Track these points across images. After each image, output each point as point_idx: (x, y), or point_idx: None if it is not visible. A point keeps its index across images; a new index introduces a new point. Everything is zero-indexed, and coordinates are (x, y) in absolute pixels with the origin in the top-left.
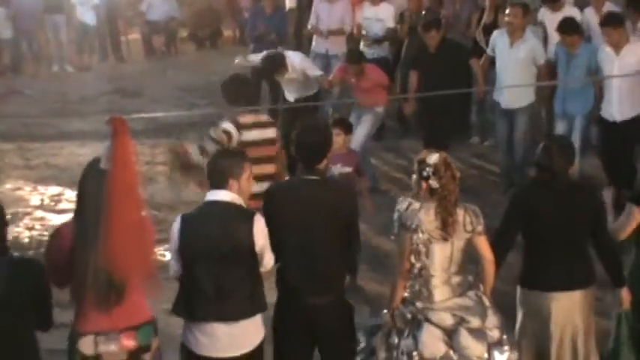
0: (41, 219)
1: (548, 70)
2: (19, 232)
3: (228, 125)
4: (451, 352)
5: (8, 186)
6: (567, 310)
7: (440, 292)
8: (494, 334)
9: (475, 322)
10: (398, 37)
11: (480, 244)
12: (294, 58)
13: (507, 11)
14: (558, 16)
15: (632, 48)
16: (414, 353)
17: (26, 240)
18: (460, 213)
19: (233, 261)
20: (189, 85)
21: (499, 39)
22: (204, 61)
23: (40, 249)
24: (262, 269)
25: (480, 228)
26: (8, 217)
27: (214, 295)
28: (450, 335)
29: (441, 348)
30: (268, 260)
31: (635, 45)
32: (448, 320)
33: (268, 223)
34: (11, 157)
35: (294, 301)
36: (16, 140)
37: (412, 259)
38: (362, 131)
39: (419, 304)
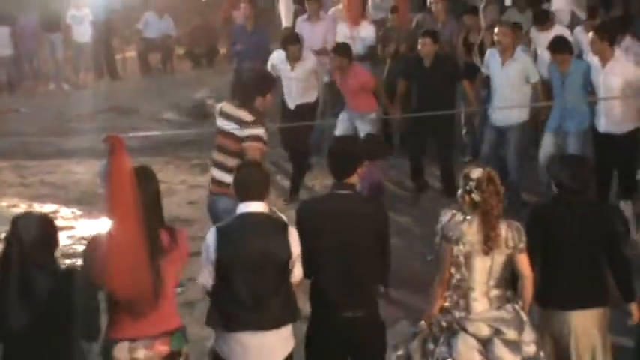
0: None
1: (544, 89)
2: None
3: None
4: None
5: (4, 204)
6: (586, 327)
7: (478, 304)
8: (530, 348)
9: (511, 334)
10: (380, 56)
11: (521, 260)
12: (309, 58)
13: (496, 31)
14: (548, 36)
15: (615, 65)
16: None
17: None
18: (503, 228)
19: (269, 271)
20: (185, 103)
21: (492, 58)
22: (201, 79)
23: None
24: (291, 279)
25: (521, 245)
26: (3, 234)
27: (250, 305)
28: (485, 345)
29: (475, 357)
30: (298, 271)
31: (618, 63)
32: (484, 331)
33: (301, 238)
34: (7, 174)
35: (328, 314)
36: (12, 158)
37: (452, 269)
38: None
39: (456, 314)
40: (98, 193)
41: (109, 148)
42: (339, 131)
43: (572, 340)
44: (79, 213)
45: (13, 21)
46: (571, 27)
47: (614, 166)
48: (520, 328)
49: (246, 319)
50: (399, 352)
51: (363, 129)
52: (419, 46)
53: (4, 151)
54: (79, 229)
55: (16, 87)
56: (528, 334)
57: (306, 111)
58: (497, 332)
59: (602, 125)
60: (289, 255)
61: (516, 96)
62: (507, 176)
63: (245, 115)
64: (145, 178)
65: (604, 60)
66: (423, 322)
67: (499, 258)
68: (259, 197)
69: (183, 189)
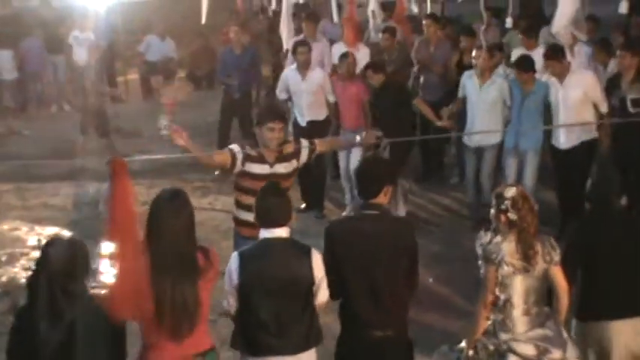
0: None
1: None
2: (16, 272)
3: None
4: None
5: (5, 226)
6: (628, 338)
7: (522, 323)
8: None
9: (557, 353)
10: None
11: (556, 274)
12: (318, 71)
13: (474, 53)
14: (533, 55)
15: (574, 78)
16: None
17: (23, 280)
18: (538, 244)
19: (293, 295)
20: (187, 125)
21: (468, 81)
22: (202, 101)
23: None
24: (316, 302)
25: (556, 258)
26: (4, 257)
27: (274, 329)
28: None
29: None
30: (323, 294)
31: (577, 75)
32: (531, 351)
33: (330, 259)
34: (9, 197)
35: (358, 333)
36: (14, 181)
37: (497, 291)
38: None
39: (503, 336)
40: (100, 217)
41: (112, 171)
42: (342, 158)
43: (615, 351)
44: (79, 236)
45: (15, 44)
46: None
47: (580, 177)
48: (564, 346)
49: (269, 344)
50: None
51: (355, 150)
52: (368, 77)
53: (6, 174)
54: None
55: (20, 110)
56: (571, 351)
57: (317, 130)
58: (544, 352)
59: (562, 142)
60: (313, 280)
61: (492, 118)
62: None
63: (269, 155)
64: (180, 202)
65: (562, 76)
66: (463, 345)
67: (537, 274)
68: (282, 223)
69: None
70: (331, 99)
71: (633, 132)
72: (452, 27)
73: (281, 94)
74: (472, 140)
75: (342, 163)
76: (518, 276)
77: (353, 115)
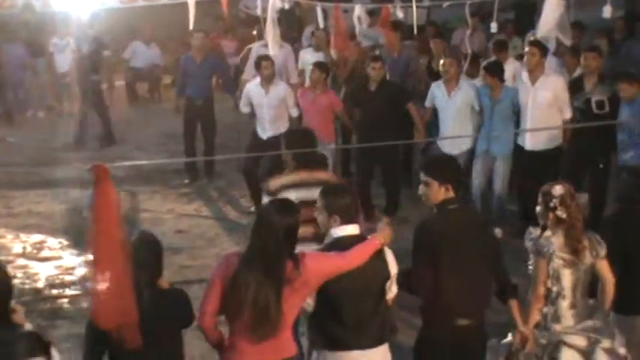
0: (23, 267)
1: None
2: None
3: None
4: None
5: None
6: None
7: (571, 315)
8: (622, 352)
9: (607, 343)
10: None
11: (603, 267)
12: (282, 85)
13: (442, 62)
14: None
15: (546, 80)
16: None
17: None
18: (586, 239)
19: (369, 293)
20: (172, 131)
21: (437, 90)
22: None
23: (21, 297)
24: (387, 297)
25: (602, 253)
26: None
27: (352, 326)
28: (587, 356)
29: None
30: (394, 289)
31: (549, 78)
32: (582, 342)
33: (424, 253)
34: None
35: (444, 323)
36: None
37: (549, 284)
38: None
39: (555, 328)
40: (85, 224)
41: (95, 177)
42: None
43: None
44: (66, 243)
45: None
46: (556, 53)
47: (539, 183)
48: (612, 336)
49: (348, 340)
50: None
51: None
52: (369, 70)
53: None
54: (66, 260)
55: (4, 117)
56: (619, 341)
57: (278, 145)
58: (595, 342)
59: (529, 143)
60: (388, 276)
61: (462, 124)
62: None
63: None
64: (285, 210)
65: (534, 76)
66: (511, 338)
67: (585, 268)
68: (352, 220)
69: (170, 218)
70: (294, 113)
71: (597, 134)
72: (421, 33)
73: (244, 108)
74: (444, 147)
75: None
76: (568, 269)
77: (322, 127)
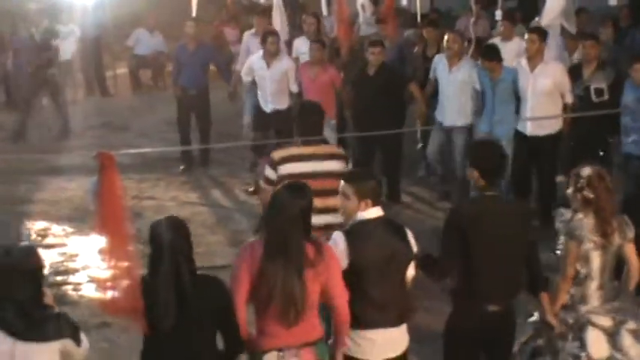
0: None
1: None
2: None
3: (267, 171)
4: (615, 353)
5: None
6: None
7: (598, 297)
8: None
9: (632, 324)
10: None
11: (630, 250)
12: (285, 59)
13: (446, 37)
14: (509, 46)
15: (545, 68)
16: (583, 354)
17: None
18: (615, 221)
19: (395, 271)
20: (176, 119)
21: (439, 63)
22: None
23: None
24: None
25: (630, 235)
26: None
27: (379, 304)
28: (612, 337)
29: (606, 350)
30: (412, 270)
31: (548, 65)
32: (608, 322)
33: (457, 237)
34: None
35: (474, 308)
36: (3, 175)
37: (578, 266)
38: None
39: (582, 308)
40: (89, 210)
41: (100, 164)
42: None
43: None
44: (70, 230)
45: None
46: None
47: (534, 168)
48: (637, 317)
49: (374, 318)
50: (527, 345)
51: (326, 135)
52: (368, 55)
53: None
54: (70, 247)
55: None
56: None
57: (280, 119)
58: (621, 323)
59: (530, 129)
60: (412, 255)
61: (461, 99)
62: (454, 176)
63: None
64: (298, 193)
65: (533, 63)
66: (536, 317)
67: (613, 250)
68: (377, 202)
69: (173, 205)
70: (294, 89)
71: (597, 121)
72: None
73: (246, 77)
74: (443, 121)
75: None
76: (597, 251)
77: (322, 103)
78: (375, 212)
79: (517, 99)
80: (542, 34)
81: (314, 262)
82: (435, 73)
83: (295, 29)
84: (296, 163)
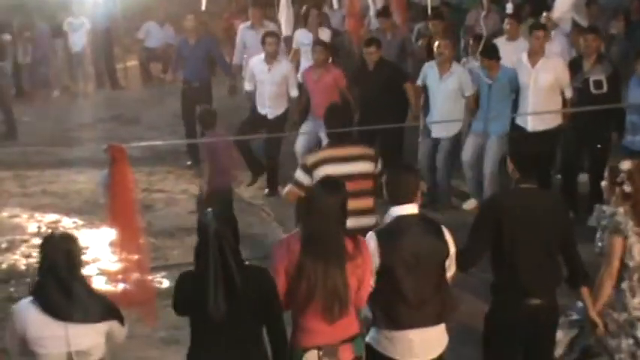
0: (38, 247)
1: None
2: (16, 259)
3: (300, 175)
4: None
5: (5, 214)
6: None
7: (639, 292)
8: None
9: None
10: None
11: None
12: (285, 62)
13: (437, 43)
14: (513, 46)
15: (547, 63)
16: (639, 352)
17: (23, 267)
18: None
19: (430, 270)
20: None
21: (430, 70)
22: None
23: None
24: (447, 275)
25: None
26: (4, 245)
27: (415, 304)
28: None
29: None
30: (453, 267)
31: (549, 60)
32: None
33: (485, 227)
34: (8, 184)
35: (515, 300)
36: (13, 168)
37: (625, 259)
38: None
39: (632, 303)
40: (100, 203)
41: (111, 157)
42: (300, 143)
43: None
44: (80, 223)
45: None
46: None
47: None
48: None
49: (410, 318)
50: (577, 344)
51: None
52: (364, 54)
53: (5, 161)
54: (80, 239)
55: (28, 95)
56: None
57: (274, 123)
58: None
59: (531, 124)
60: (448, 254)
61: (452, 108)
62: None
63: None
64: (333, 188)
65: (535, 59)
66: (576, 316)
67: None
68: (412, 199)
69: (184, 198)
70: (293, 93)
71: (596, 113)
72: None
73: (248, 85)
74: (433, 127)
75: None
76: (636, 245)
77: (327, 105)
78: (409, 209)
79: (515, 96)
80: (546, 30)
81: (353, 256)
82: (424, 80)
83: (298, 21)
84: (331, 165)
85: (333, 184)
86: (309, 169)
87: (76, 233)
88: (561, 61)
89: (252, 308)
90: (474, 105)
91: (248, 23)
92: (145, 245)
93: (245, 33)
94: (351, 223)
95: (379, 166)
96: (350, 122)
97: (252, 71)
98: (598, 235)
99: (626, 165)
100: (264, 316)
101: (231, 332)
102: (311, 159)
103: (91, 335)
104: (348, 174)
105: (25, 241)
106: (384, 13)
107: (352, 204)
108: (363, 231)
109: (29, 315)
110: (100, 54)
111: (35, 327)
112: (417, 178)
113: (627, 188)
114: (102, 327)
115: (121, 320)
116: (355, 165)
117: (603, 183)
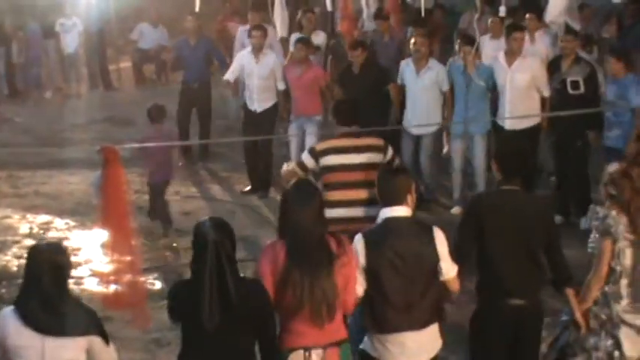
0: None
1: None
2: (8, 260)
3: (305, 158)
4: None
5: None
6: None
7: (627, 294)
8: None
9: None
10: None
11: None
12: (271, 55)
13: (413, 40)
14: (497, 44)
15: (523, 62)
16: (616, 353)
17: (15, 269)
18: None
19: (416, 274)
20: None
21: (406, 68)
22: None
23: None
24: (442, 278)
25: None
26: None
27: (403, 306)
28: None
29: (639, 349)
30: (448, 269)
31: (525, 60)
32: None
33: (470, 225)
34: (0, 185)
35: (497, 301)
36: (5, 168)
37: (613, 263)
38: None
39: (615, 306)
40: (92, 204)
41: (104, 158)
42: (294, 146)
43: None
44: (72, 224)
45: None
46: None
47: None
48: None
49: (398, 322)
50: (557, 342)
51: (311, 131)
52: (350, 57)
53: None
54: (72, 240)
55: (21, 95)
56: None
57: (265, 117)
58: None
59: (508, 123)
60: (437, 257)
61: (429, 104)
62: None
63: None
64: (306, 191)
65: (511, 59)
66: (566, 319)
67: None
68: (403, 201)
69: (177, 200)
70: (280, 86)
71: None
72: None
73: (230, 75)
74: (411, 124)
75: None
76: (630, 249)
77: (308, 101)
78: (399, 211)
79: (492, 94)
80: (523, 31)
81: (338, 255)
82: (402, 79)
83: (294, 25)
84: (335, 155)
85: (304, 193)
86: (316, 155)
87: (68, 234)
88: (538, 60)
89: (245, 322)
90: (451, 99)
91: (247, 26)
92: (137, 247)
93: (244, 36)
94: (356, 212)
95: (388, 156)
96: (357, 113)
97: (240, 63)
98: (591, 236)
99: (611, 168)
100: (257, 333)
101: (223, 344)
102: (321, 145)
103: (69, 349)
104: (349, 164)
105: (17, 242)
106: (381, 15)
107: (358, 194)
108: (369, 220)
109: (9, 324)
110: (93, 55)
111: (14, 336)
112: (409, 180)
113: (611, 190)
114: (82, 342)
115: (106, 338)
116: (363, 156)
117: (600, 187)
